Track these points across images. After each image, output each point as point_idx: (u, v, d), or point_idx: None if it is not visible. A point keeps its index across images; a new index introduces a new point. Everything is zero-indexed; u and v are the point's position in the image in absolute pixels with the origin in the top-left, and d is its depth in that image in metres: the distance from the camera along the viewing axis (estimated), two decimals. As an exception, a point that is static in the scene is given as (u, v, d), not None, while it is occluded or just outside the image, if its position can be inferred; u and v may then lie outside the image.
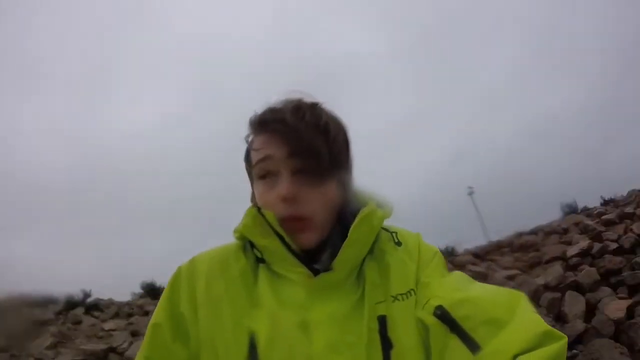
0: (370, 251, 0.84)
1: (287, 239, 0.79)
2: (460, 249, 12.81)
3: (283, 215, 0.79)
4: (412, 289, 0.80)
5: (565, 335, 0.62)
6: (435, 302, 0.74)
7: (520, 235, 11.88)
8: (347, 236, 0.78)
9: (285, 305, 0.76)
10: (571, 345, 6.26)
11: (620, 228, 9.01)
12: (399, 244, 0.88)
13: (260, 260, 0.83)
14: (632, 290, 7.22)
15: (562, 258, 8.92)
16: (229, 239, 0.90)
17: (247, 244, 0.87)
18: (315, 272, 0.78)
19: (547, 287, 7.88)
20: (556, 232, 11.07)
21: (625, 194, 13.39)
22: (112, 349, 8.53)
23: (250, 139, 0.88)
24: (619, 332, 6.33)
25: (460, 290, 0.75)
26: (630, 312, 6.54)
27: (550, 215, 13.54)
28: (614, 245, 8.36)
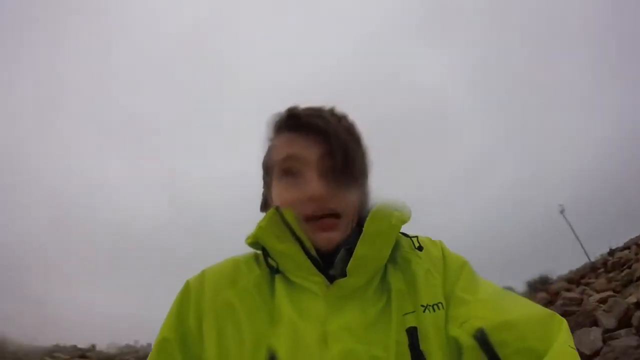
0: (393, 260, 0.81)
1: (306, 242, 0.76)
2: (553, 275, 12.44)
3: (310, 212, 0.77)
4: (440, 302, 0.75)
5: None
6: (476, 324, 0.69)
7: (612, 252, 11.27)
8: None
9: (305, 318, 0.72)
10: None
11: None
12: (420, 248, 0.83)
13: (275, 270, 0.80)
14: None
15: (656, 273, 8.43)
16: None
17: (260, 256, 0.84)
18: (332, 279, 0.75)
19: (638, 306, 7.64)
20: (649, 244, 10.39)
21: None
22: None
23: (271, 137, 0.87)
24: None
25: (500, 311, 0.71)
26: None
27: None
28: None
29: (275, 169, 0.83)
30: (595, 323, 8.15)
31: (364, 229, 0.76)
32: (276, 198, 0.82)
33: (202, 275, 0.84)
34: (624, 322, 7.82)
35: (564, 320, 0.70)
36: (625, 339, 7.28)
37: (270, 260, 0.81)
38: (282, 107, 0.85)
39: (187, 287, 0.82)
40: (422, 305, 0.74)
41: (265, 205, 0.89)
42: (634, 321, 7.80)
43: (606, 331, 7.82)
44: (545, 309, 0.73)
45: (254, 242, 0.83)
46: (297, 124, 0.82)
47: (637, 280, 9.04)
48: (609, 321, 8.02)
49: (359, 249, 0.75)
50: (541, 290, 11.26)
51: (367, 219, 0.77)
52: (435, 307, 0.74)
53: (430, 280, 0.78)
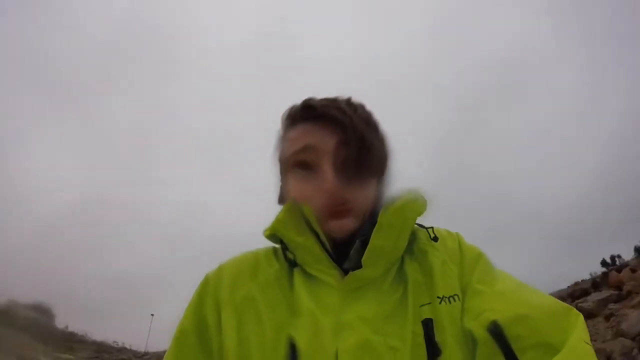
0: (410, 251, 0.81)
1: (322, 235, 0.76)
2: None
3: (324, 202, 0.76)
4: (456, 294, 0.74)
5: None
6: (491, 316, 0.68)
7: None
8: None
9: (323, 309, 0.72)
10: None
11: None
12: (435, 239, 0.82)
13: (293, 264, 0.80)
14: None
15: None
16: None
17: (278, 249, 0.85)
18: (347, 272, 0.74)
19: None
20: None
21: None
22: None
23: (286, 130, 0.85)
24: None
25: (516, 304, 0.69)
26: None
27: None
28: None
29: (290, 161, 0.81)
30: None
31: (378, 220, 0.75)
32: (292, 191, 0.81)
33: (220, 269, 0.84)
34: None
35: (580, 315, 0.69)
36: None
37: (288, 254, 0.81)
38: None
39: (206, 281, 0.83)
40: (439, 297, 0.73)
41: (282, 199, 0.87)
42: None
43: None
44: (562, 302, 0.71)
45: (272, 235, 0.83)
46: (312, 114, 0.80)
47: None
48: None
49: (374, 240, 0.74)
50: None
51: (382, 210, 0.76)
52: (451, 298, 0.73)
53: (446, 272, 0.77)
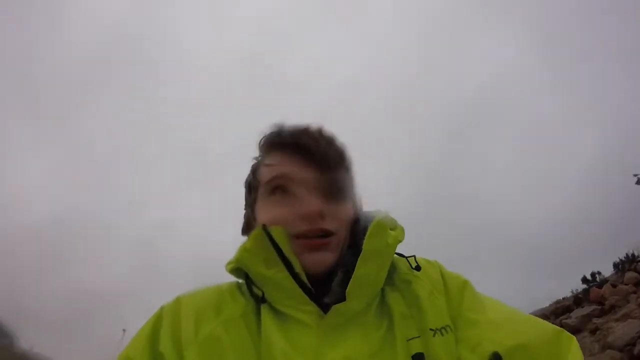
0: (391, 282, 0.77)
1: (296, 266, 0.70)
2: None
3: (303, 229, 0.71)
4: (447, 325, 0.71)
5: None
6: (490, 347, 0.68)
7: None
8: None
9: (301, 353, 0.66)
10: None
11: None
12: (417, 268, 0.79)
13: (261, 300, 0.73)
14: None
15: None
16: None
17: (243, 285, 0.78)
18: (326, 308, 0.69)
19: None
20: None
21: None
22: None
23: (261, 156, 0.83)
24: None
25: (513, 333, 0.70)
26: None
27: None
28: None
29: (263, 187, 0.78)
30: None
31: (363, 247, 0.71)
32: (263, 216, 0.76)
33: (178, 302, 0.76)
34: None
35: (573, 338, 0.71)
36: None
37: (254, 289, 0.74)
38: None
39: (161, 314, 0.76)
40: (432, 329, 0.70)
41: (247, 228, 0.83)
42: None
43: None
44: (553, 325, 0.73)
45: (236, 269, 0.77)
46: (288, 143, 0.78)
47: None
48: None
49: (359, 269, 0.70)
50: (630, 269, 10.58)
51: (367, 236, 0.72)
52: (443, 330, 0.71)
53: (434, 302, 0.74)
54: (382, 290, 0.75)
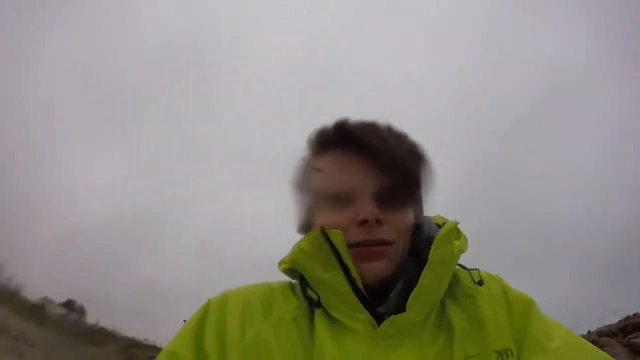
0: (452, 295, 0.73)
1: (353, 272, 0.67)
2: None
3: (359, 239, 0.67)
4: (509, 348, 0.67)
5: None
6: None
7: None
8: (423, 266, 0.67)
9: None
10: None
11: None
12: (480, 283, 0.74)
13: (315, 304, 0.69)
14: None
15: None
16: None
17: (296, 285, 0.74)
18: (379, 318, 0.66)
19: None
20: None
21: None
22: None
23: (315, 154, 0.76)
24: None
25: None
26: None
27: None
28: None
29: (322, 190, 0.72)
30: None
31: (430, 257, 0.67)
32: (321, 219, 0.71)
33: (225, 298, 0.73)
34: None
35: None
36: None
37: (309, 292, 0.71)
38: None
39: (207, 306, 0.73)
40: (496, 351, 0.67)
41: (304, 227, 0.76)
42: None
43: None
44: (606, 354, 0.71)
45: (290, 269, 0.73)
46: (348, 140, 0.71)
47: None
48: None
49: (424, 280, 0.66)
50: None
51: (434, 245, 0.68)
52: (505, 353, 0.67)
53: (498, 321, 0.70)
54: (442, 302, 0.72)
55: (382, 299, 0.68)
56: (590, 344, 0.73)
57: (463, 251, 0.73)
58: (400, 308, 0.65)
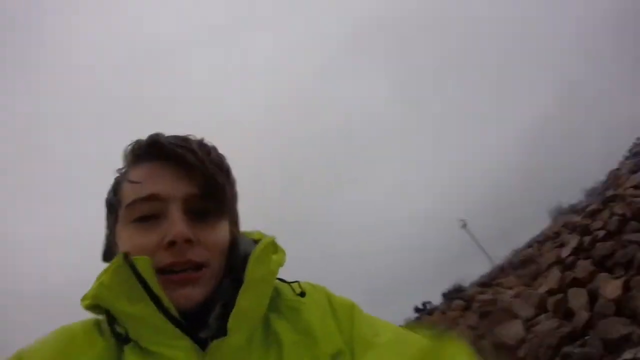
0: (276, 309, 0.73)
1: (165, 301, 0.62)
2: (466, 283, 13.56)
3: (168, 262, 0.64)
4: (342, 351, 0.70)
5: None
6: None
7: (517, 252, 12.49)
8: (239, 286, 0.66)
9: None
10: (583, 334, 6.88)
11: (605, 214, 9.55)
12: (302, 294, 0.75)
13: (125, 340, 0.63)
14: (626, 266, 7.59)
15: (559, 262, 9.38)
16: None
17: (103, 322, 0.67)
18: (203, 344, 0.63)
19: (550, 293, 8.41)
20: (549, 238, 11.68)
21: (604, 177, 13.92)
22: None
23: (127, 167, 0.74)
24: (620, 308, 6.75)
25: (410, 353, 0.69)
26: (627, 287, 6.91)
27: (541, 222, 14.21)
28: (602, 233, 8.84)
29: (127, 209, 0.69)
30: (515, 316, 8.73)
31: (246, 277, 0.66)
32: (125, 243, 0.67)
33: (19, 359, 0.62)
34: (541, 309, 8.18)
35: (465, 346, 0.70)
36: (546, 323, 7.64)
37: (117, 327, 0.64)
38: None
39: None
40: (330, 355, 0.68)
41: (109, 254, 0.73)
42: (550, 306, 8.16)
43: (526, 320, 8.19)
44: (430, 339, 0.72)
45: (94, 306, 0.65)
46: (160, 153, 0.70)
47: (545, 271, 9.60)
48: (527, 311, 8.43)
49: (242, 300, 0.65)
50: (457, 298, 12.23)
51: (249, 264, 0.67)
52: (337, 355, 0.69)
53: (326, 328, 0.72)
54: (266, 318, 0.71)
55: (202, 322, 0.64)
56: (415, 333, 0.74)
57: (281, 265, 0.72)
58: (222, 331, 0.63)
